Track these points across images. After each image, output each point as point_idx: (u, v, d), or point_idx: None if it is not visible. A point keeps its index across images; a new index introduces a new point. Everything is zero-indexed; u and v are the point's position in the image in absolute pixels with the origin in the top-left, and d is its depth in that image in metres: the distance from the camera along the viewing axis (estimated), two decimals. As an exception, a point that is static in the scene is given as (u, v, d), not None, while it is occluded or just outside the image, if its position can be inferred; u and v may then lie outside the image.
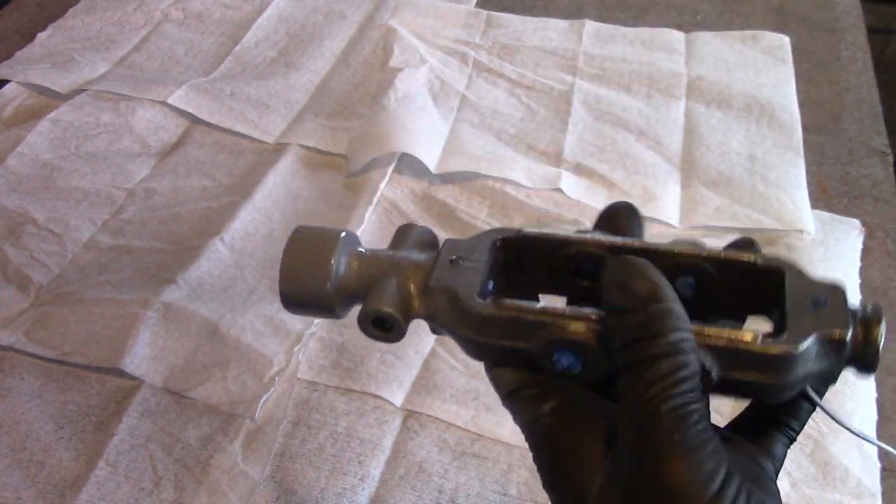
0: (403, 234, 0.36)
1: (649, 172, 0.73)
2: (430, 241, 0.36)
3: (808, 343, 0.28)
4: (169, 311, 0.59)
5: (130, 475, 0.51)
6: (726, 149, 0.76)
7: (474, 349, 0.32)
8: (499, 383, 0.32)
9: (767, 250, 0.66)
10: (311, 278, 0.33)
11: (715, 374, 0.28)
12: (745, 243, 0.33)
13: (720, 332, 0.28)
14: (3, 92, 0.81)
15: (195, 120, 0.79)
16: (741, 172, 0.73)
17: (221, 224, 0.67)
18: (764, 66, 0.86)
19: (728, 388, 0.29)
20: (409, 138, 0.73)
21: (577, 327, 0.29)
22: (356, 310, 0.34)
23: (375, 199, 0.70)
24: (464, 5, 0.95)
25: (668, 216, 0.70)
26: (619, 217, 0.35)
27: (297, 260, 0.34)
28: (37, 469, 0.52)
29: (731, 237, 0.67)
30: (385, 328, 0.33)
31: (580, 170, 0.73)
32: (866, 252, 0.67)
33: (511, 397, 0.31)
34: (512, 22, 0.92)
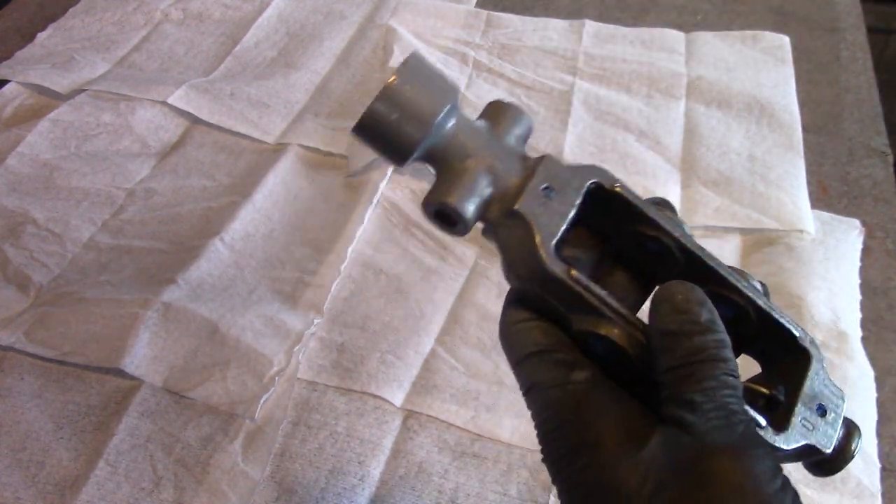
0: (502, 112, 0.33)
1: (649, 172, 0.73)
2: (526, 136, 0.34)
3: (797, 447, 0.30)
4: (169, 311, 0.59)
5: (130, 475, 0.51)
6: (726, 149, 0.76)
7: (519, 283, 0.31)
8: (524, 341, 0.31)
9: (767, 250, 0.66)
10: (418, 109, 0.30)
11: None
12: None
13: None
14: (3, 92, 0.81)
15: (195, 120, 0.79)
16: (741, 172, 0.73)
17: (221, 224, 0.67)
18: (764, 66, 0.86)
19: None
20: (409, 138, 0.73)
21: (627, 333, 0.29)
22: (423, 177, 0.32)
23: (375, 199, 0.70)
24: (464, 5, 0.95)
25: (668, 216, 0.70)
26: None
27: (412, 84, 0.31)
28: (37, 469, 0.52)
29: (732, 237, 0.67)
30: (450, 222, 0.31)
31: (580, 170, 0.73)
32: (866, 252, 0.67)
33: (537, 357, 0.30)
34: (512, 22, 0.92)
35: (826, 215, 0.70)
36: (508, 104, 0.33)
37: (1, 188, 0.71)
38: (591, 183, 0.32)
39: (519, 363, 0.31)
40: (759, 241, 0.67)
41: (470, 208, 0.31)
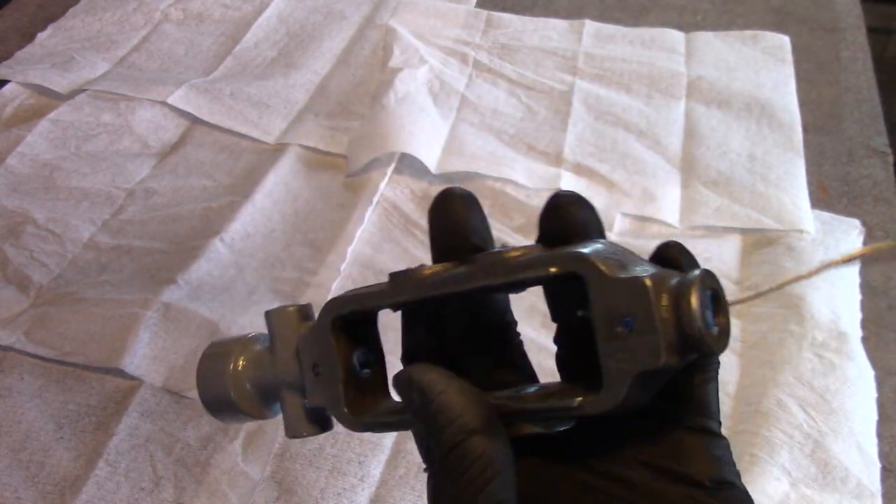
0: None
1: (649, 172, 0.73)
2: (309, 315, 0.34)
3: (624, 393, 0.24)
4: (169, 311, 0.59)
5: (130, 475, 0.51)
6: (726, 149, 0.76)
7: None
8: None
9: (767, 250, 0.66)
10: (215, 389, 0.34)
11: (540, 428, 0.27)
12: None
13: (534, 399, 0.27)
14: (3, 92, 0.81)
15: (195, 120, 0.79)
16: (741, 172, 0.73)
17: (221, 224, 0.67)
18: (764, 66, 0.86)
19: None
20: (409, 138, 0.73)
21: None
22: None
23: (375, 199, 0.70)
24: (464, 5, 0.95)
25: (668, 216, 0.70)
26: (566, 212, 0.29)
27: (200, 373, 0.34)
28: (37, 469, 0.52)
29: (732, 237, 0.67)
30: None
31: (580, 170, 0.73)
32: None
33: None
34: (512, 22, 0.92)
35: (826, 215, 0.70)
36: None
37: (1, 188, 0.71)
38: (329, 329, 0.31)
39: None
40: (759, 241, 0.67)
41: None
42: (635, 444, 0.27)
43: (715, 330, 0.24)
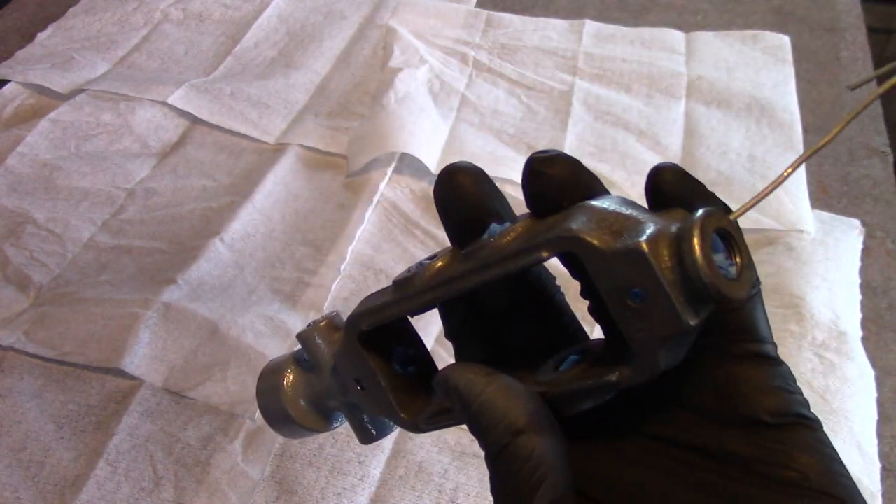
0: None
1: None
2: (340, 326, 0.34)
3: (659, 361, 0.23)
4: (169, 311, 0.59)
5: (130, 475, 0.51)
6: (726, 149, 0.76)
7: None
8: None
9: (767, 250, 0.66)
10: (273, 408, 0.34)
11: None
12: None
13: (575, 379, 0.25)
14: (3, 92, 0.81)
15: (195, 120, 0.79)
16: (741, 172, 0.73)
17: (221, 224, 0.67)
18: (764, 66, 0.86)
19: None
20: (409, 138, 0.73)
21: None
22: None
23: (375, 199, 0.70)
24: (464, 5, 0.95)
25: (668, 216, 0.70)
26: (546, 177, 0.26)
27: (259, 392, 0.35)
28: (37, 469, 0.52)
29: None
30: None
31: (580, 170, 0.73)
32: (866, 252, 0.67)
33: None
34: (512, 22, 0.92)
35: (826, 215, 0.70)
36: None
37: (1, 188, 0.71)
38: (354, 341, 0.31)
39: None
40: (759, 241, 0.67)
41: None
42: (685, 390, 0.25)
43: (733, 270, 0.22)
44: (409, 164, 0.73)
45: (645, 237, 0.22)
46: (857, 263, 0.66)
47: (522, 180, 0.26)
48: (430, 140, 0.75)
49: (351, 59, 0.87)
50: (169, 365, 0.57)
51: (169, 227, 0.68)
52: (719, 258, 0.22)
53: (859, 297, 0.63)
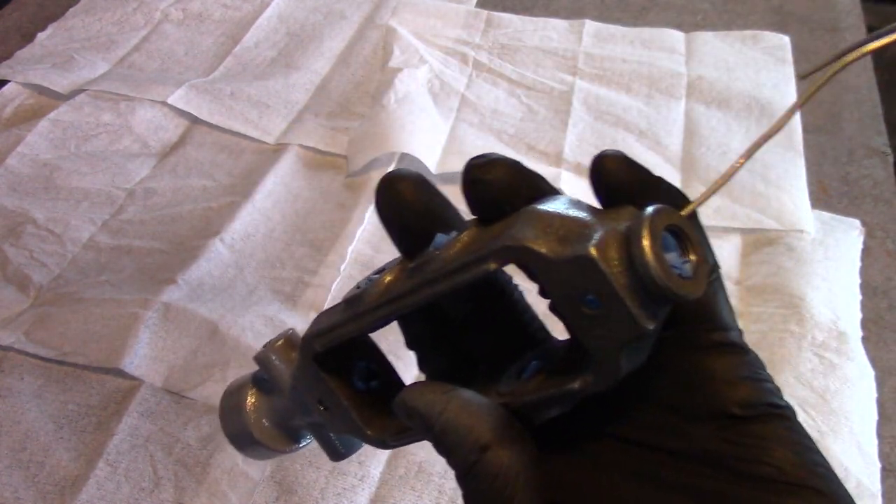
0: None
1: (649, 172, 0.73)
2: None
3: (619, 367, 0.22)
4: (169, 311, 0.59)
5: (130, 475, 0.51)
6: (726, 149, 0.76)
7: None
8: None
9: (767, 250, 0.66)
10: (238, 430, 0.33)
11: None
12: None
13: (537, 388, 0.25)
14: (3, 92, 0.81)
15: (195, 120, 0.79)
16: (741, 172, 0.73)
17: (221, 224, 0.67)
18: (764, 66, 0.86)
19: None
20: (409, 138, 0.73)
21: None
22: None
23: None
24: (464, 5, 0.95)
25: (668, 216, 0.70)
26: (486, 184, 0.25)
27: (221, 413, 0.34)
28: (37, 469, 0.52)
29: (732, 237, 0.67)
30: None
31: (580, 170, 0.73)
32: (866, 252, 0.67)
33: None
34: (512, 22, 0.92)
35: (826, 215, 0.70)
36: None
37: (1, 188, 0.71)
38: (308, 361, 0.30)
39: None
40: (759, 241, 0.67)
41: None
42: (651, 387, 0.24)
43: (688, 268, 0.21)
44: (409, 165, 0.73)
45: (593, 242, 0.21)
46: (858, 263, 0.66)
47: (462, 188, 0.25)
48: (430, 140, 0.75)
49: (351, 59, 0.87)
50: (169, 365, 0.57)
51: (169, 227, 0.68)
52: (672, 257, 0.21)
53: (859, 297, 0.63)
